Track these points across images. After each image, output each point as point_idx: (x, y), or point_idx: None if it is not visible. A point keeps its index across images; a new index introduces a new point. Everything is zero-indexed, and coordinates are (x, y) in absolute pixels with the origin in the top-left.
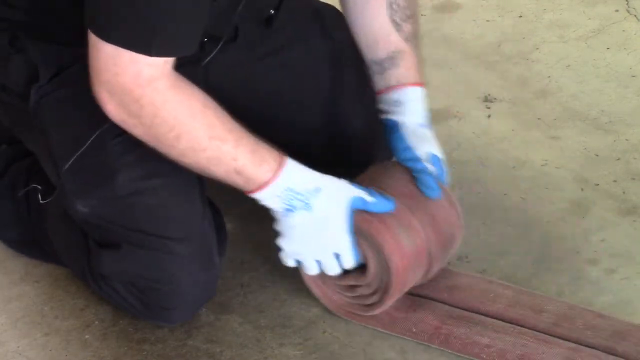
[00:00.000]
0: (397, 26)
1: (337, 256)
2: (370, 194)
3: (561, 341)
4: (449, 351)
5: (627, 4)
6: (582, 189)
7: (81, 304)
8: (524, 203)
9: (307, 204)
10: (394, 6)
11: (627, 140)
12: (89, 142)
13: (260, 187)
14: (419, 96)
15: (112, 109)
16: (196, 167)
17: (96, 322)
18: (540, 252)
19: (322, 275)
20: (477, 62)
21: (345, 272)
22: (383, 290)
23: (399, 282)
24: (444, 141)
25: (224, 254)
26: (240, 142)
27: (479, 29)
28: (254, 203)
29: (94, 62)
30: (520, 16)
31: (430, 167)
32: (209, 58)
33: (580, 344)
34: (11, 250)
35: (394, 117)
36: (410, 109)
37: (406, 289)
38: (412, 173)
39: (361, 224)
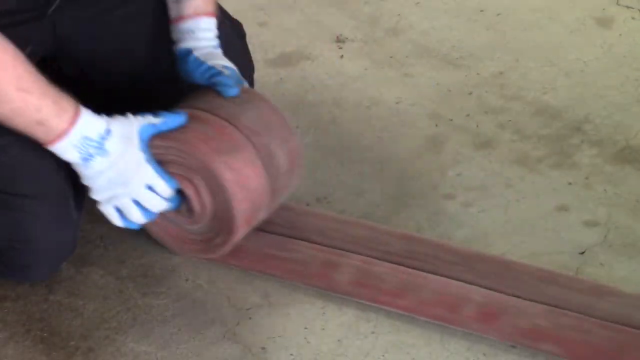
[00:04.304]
0: None
1: (151, 188)
2: (157, 115)
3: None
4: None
5: None
6: (436, 125)
7: None
8: (380, 141)
9: (101, 149)
10: None
11: (478, 74)
12: None
13: (58, 137)
14: (211, 26)
15: None
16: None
17: None
18: (398, 190)
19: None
20: (328, 3)
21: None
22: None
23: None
24: (298, 84)
25: (82, 209)
26: (45, 94)
27: None
28: None
29: None
30: None
31: (225, 71)
32: (53, 8)
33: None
34: None
35: (186, 45)
36: (203, 37)
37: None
38: (210, 83)
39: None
